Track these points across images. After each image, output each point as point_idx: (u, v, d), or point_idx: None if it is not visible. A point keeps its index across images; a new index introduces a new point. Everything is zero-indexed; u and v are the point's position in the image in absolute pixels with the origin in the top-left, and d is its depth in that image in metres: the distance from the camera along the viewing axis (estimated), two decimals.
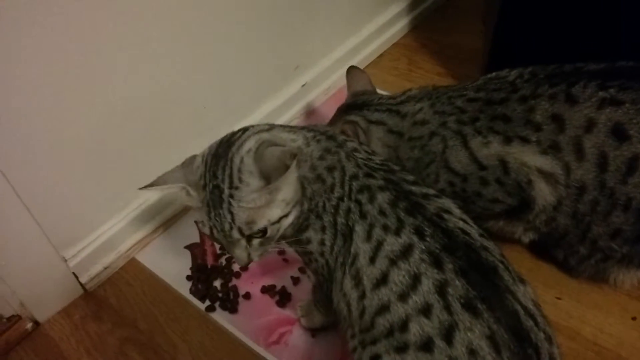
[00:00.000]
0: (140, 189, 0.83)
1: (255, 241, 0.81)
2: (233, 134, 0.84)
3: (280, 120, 1.44)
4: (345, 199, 0.80)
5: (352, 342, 0.80)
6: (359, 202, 0.79)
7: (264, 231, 0.80)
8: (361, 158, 0.83)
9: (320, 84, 1.54)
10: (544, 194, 0.94)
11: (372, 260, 0.76)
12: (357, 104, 1.11)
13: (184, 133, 1.21)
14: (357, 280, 0.77)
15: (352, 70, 1.19)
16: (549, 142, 0.91)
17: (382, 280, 0.74)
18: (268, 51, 1.36)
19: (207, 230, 0.81)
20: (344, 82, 1.57)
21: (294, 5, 1.36)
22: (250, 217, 0.78)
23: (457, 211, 0.79)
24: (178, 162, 0.86)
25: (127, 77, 1.05)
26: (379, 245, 0.75)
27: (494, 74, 1.02)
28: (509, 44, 1.35)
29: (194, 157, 0.85)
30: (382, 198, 0.78)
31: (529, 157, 0.93)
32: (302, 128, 0.86)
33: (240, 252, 0.81)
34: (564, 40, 1.23)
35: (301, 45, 1.45)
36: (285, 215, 0.81)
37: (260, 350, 1.02)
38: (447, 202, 0.80)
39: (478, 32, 1.74)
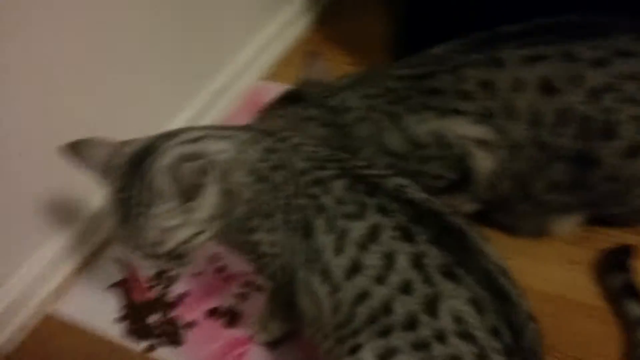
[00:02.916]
0: (64, 147, 0.78)
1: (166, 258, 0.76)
2: (160, 137, 0.77)
3: None
4: (298, 194, 0.76)
5: (325, 343, 0.74)
6: (313, 196, 0.75)
7: (171, 251, 0.75)
8: (308, 151, 0.79)
9: (232, 89, 1.47)
10: (484, 162, 0.94)
11: (339, 250, 0.71)
12: (293, 95, 1.05)
13: None
14: (326, 275, 0.72)
15: (306, 58, 1.10)
16: (482, 110, 0.92)
17: (355, 268, 0.70)
18: (171, 62, 1.28)
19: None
20: (257, 84, 1.54)
21: (194, 13, 1.30)
22: (159, 238, 0.73)
23: (414, 185, 0.77)
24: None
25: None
26: (344, 234, 0.71)
27: (418, 53, 1.01)
28: (419, 24, 1.35)
29: (134, 141, 0.78)
30: (338, 186, 0.74)
31: (465, 128, 0.93)
32: (240, 129, 0.81)
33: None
34: (473, 13, 1.24)
35: (207, 52, 1.39)
36: (200, 233, 0.75)
37: None
38: (402, 179, 0.78)
39: (380, 17, 1.76)
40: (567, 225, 1.01)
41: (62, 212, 1.09)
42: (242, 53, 1.51)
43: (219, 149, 0.76)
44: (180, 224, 0.73)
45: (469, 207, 1.04)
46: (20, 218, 1.01)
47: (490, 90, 0.91)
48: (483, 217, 1.09)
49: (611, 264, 0.96)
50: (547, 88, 0.89)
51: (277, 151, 0.78)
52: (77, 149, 0.79)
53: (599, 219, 1.02)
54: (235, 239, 0.81)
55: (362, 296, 0.69)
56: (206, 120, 1.40)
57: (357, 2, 1.85)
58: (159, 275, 1.09)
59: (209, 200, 0.74)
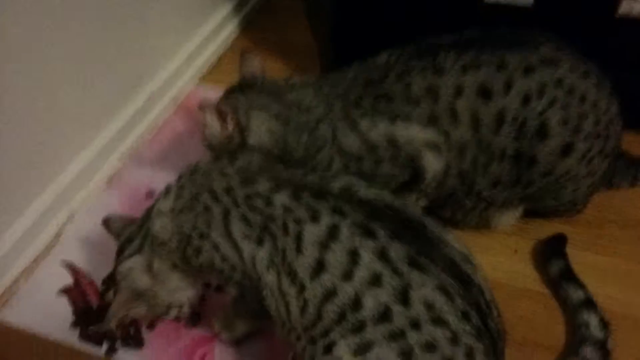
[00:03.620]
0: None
1: None
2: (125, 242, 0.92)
3: (132, 135, 1.35)
4: (233, 209, 0.80)
5: (298, 344, 0.77)
6: (255, 208, 0.79)
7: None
8: (230, 170, 0.84)
9: (166, 94, 1.46)
10: (432, 163, 1.00)
11: (299, 249, 0.74)
12: (241, 86, 1.07)
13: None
14: (293, 276, 0.75)
15: (244, 55, 1.13)
16: (429, 114, 0.97)
17: (319, 267, 0.73)
18: (105, 68, 1.25)
19: None
20: (189, 89, 1.53)
21: (125, 18, 1.28)
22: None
23: (361, 182, 0.81)
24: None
25: None
26: (299, 236, 0.75)
27: (366, 60, 1.05)
28: (350, 35, 1.40)
29: (130, 225, 0.93)
30: (281, 198, 0.78)
31: (415, 132, 0.98)
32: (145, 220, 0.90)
33: None
34: (403, 20, 1.31)
35: (139, 58, 1.36)
36: (170, 306, 0.90)
37: None
38: (347, 178, 0.82)
39: (303, 27, 1.80)
40: (508, 217, 1.10)
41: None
42: (175, 58, 1.50)
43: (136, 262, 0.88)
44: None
45: (416, 204, 1.10)
46: None
47: (435, 96, 0.97)
48: (429, 213, 1.15)
49: (549, 252, 1.05)
50: (485, 93, 0.96)
51: (186, 186, 0.85)
52: (106, 226, 0.96)
53: (534, 211, 1.11)
54: (194, 267, 0.86)
55: (329, 295, 0.72)
56: (144, 125, 1.38)
57: (279, 14, 1.89)
58: (113, 277, 1.05)
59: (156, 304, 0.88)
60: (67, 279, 1.06)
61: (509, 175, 1.01)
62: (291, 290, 0.75)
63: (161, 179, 1.21)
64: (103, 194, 1.23)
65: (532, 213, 1.11)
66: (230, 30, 1.74)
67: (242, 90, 1.06)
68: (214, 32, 1.65)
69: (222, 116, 0.99)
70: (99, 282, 1.06)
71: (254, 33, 1.78)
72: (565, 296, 0.98)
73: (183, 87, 1.51)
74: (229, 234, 0.79)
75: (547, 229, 1.11)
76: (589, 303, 0.94)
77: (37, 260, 1.10)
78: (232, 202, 0.80)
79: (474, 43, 0.99)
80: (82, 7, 1.14)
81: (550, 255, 1.04)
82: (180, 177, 0.89)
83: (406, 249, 0.71)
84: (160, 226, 0.85)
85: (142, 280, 0.87)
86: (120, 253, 0.91)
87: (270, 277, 0.77)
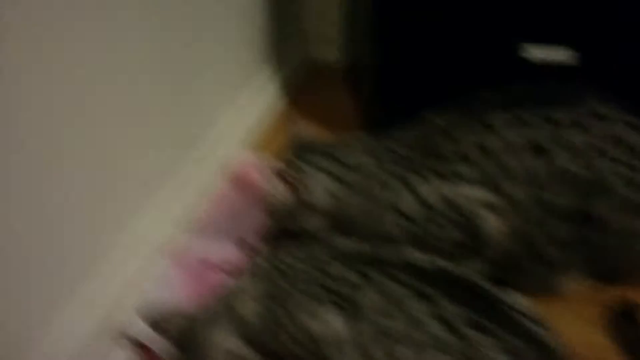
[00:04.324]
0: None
1: None
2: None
3: (182, 203, 1.32)
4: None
5: None
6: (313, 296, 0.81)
7: None
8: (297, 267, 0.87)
9: (214, 160, 1.46)
10: (492, 223, 0.99)
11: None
12: (301, 148, 1.09)
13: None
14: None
15: (292, 120, 1.18)
16: (482, 172, 0.98)
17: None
18: (158, 134, 1.26)
19: None
20: (234, 155, 1.53)
21: (169, 88, 1.28)
22: None
23: (412, 248, 0.85)
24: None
25: None
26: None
27: (414, 122, 1.08)
28: (392, 97, 1.43)
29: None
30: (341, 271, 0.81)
31: (471, 192, 0.98)
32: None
33: None
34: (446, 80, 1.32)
35: (185, 123, 1.37)
36: None
37: None
38: (401, 246, 0.86)
39: (343, 91, 1.83)
40: (574, 282, 1.06)
41: None
42: (220, 122, 1.51)
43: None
44: None
45: (479, 268, 1.07)
46: None
47: (486, 153, 0.97)
48: (491, 279, 1.12)
49: (622, 320, 1.01)
50: (537, 149, 0.96)
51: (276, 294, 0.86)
52: (157, 329, 0.93)
53: (602, 276, 1.06)
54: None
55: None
56: (189, 194, 1.36)
57: (319, 79, 1.92)
58: None
59: None
60: None
61: (573, 235, 0.99)
62: None
63: (216, 249, 1.23)
64: (158, 265, 1.22)
65: (599, 277, 1.06)
66: (272, 93, 1.76)
67: (304, 151, 1.08)
68: (258, 94, 1.68)
69: (288, 182, 1.00)
70: None
71: (293, 99, 1.81)
72: None
73: (229, 153, 1.51)
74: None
75: (617, 294, 1.06)
76: None
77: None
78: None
79: (521, 99, 1.01)
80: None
81: (624, 324, 1.00)
82: (254, 265, 0.92)
83: (463, 310, 0.71)
84: (249, 309, 0.86)
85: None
86: (193, 338, 0.89)
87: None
